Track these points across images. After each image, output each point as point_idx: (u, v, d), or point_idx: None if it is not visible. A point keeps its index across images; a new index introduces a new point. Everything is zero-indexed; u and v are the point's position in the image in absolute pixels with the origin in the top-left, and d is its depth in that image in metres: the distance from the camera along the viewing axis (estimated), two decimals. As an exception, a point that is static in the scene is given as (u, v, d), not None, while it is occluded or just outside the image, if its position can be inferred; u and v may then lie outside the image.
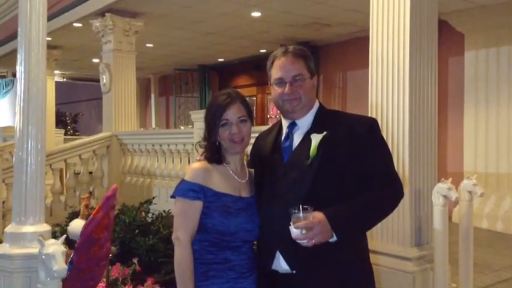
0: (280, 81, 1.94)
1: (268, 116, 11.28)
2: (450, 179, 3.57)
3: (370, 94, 4.02)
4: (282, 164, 1.95)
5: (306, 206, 1.71)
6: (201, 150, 2.03)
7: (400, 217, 3.76)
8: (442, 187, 3.50)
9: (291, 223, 1.71)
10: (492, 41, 6.87)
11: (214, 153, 1.97)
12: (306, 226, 1.69)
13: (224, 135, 1.93)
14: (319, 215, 1.72)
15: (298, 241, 1.71)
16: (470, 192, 3.73)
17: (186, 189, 1.90)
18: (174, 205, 1.94)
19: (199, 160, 2.00)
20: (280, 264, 1.86)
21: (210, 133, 1.97)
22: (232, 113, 1.94)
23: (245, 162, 2.09)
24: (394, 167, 1.99)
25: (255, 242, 2.01)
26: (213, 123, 1.95)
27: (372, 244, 3.53)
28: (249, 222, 1.92)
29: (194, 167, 1.96)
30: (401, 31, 3.81)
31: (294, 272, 1.84)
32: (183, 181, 1.94)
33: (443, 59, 6.91)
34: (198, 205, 1.89)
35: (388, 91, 3.89)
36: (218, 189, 1.91)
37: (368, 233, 2.01)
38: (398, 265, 3.72)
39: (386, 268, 3.72)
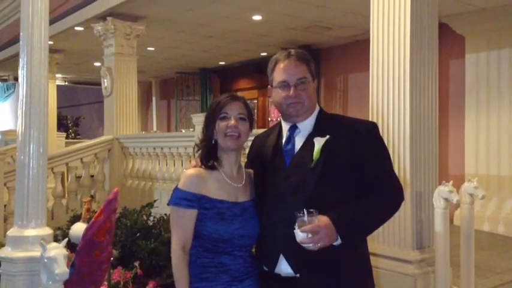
0: (284, 84, 1.94)
1: (270, 119, 11.28)
2: (451, 182, 3.57)
3: (371, 97, 4.03)
4: (284, 168, 1.94)
5: (311, 210, 1.70)
6: (197, 154, 2.01)
7: (401, 220, 3.76)
8: (443, 190, 3.50)
9: (296, 227, 1.70)
10: (493, 43, 6.87)
11: (209, 153, 1.95)
12: (312, 230, 1.69)
13: (221, 127, 1.91)
14: (324, 219, 1.72)
15: (303, 245, 1.71)
16: (471, 194, 3.73)
17: (180, 198, 1.88)
18: (170, 212, 1.94)
19: (195, 165, 1.97)
20: (284, 267, 1.86)
21: (208, 127, 1.95)
22: (233, 108, 1.94)
23: (243, 165, 2.08)
24: (393, 170, 2.00)
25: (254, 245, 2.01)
26: (212, 117, 1.94)
27: (373, 247, 3.54)
28: (245, 228, 1.90)
29: (188, 174, 1.93)
30: (402, 34, 3.82)
31: (298, 275, 1.84)
32: (176, 189, 1.92)
33: (444, 62, 6.93)
34: (191, 213, 1.87)
35: (389, 94, 3.89)
36: (213, 196, 1.89)
37: (369, 236, 2.01)
38: (400, 268, 3.72)
39: (388, 271, 3.72)
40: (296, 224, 1.70)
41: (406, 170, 3.76)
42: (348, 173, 1.85)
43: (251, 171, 2.07)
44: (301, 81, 1.93)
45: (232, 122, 1.92)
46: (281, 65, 1.96)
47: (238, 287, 1.90)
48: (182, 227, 1.88)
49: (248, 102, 2.05)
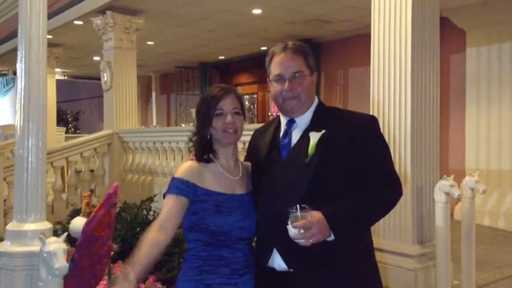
0: (280, 78, 1.92)
1: (269, 114, 11.26)
2: (452, 176, 3.56)
3: (371, 91, 4.01)
4: (280, 162, 1.92)
5: (304, 205, 1.69)
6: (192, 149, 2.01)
7: (402, 214, 3.75)
8: (444, 184, 3.49)
9: (289, 222, 1.68)
10: (494, 37, 6.85)
11: (203, 147, 1.94)
12: (304, 226, 1.67)
13: (218, 124, 1.91)
14: (317, 214, 1.70)
15: (296, 240, 1.69)
16: (472, 189, 3.73)
17: (174, 187, 1.88)
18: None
19: (191, 159, 1.97)
20: (278, 262, 1.85)
21: (203, 124, 1.94)
22: (228, 103, 1.93)
23: (241, 159, 2.07)
24: (393, 166, 1.96)
25: (254, 238, 2.00)
26: (207, 114, 1.93)
27: (374, 241, 3.54)
28: (244, 220, 1.89)
29: (185, 165, 1.94)
30: (403, 28, 3.80)
31: (291, 270, 1.83)
32: (172, 179, 1.92)
33: (444, 56, 6.89)
34: (180, 200, 1.86)
35: (389, 88, 3.88)
36: (209, 188, 1.89)
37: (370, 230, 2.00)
38: (400, 262, 3.72)
39: (388, 265, 3.72)
40: (289, 220, 1.69)
41: (407, 165, 3.75)
42: (344, 168, 1.82)
43: (249, 164, 2.06)
44: (296, 74, 1.90)
45: (229, 118, 1.91)
46: (277, 58, 1.94)
47: (238, 281, 1.89)
48: (166, 210, 1.86)
49: (247, 96, 2.05)
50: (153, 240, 1.83)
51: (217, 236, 1.86)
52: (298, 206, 1.68)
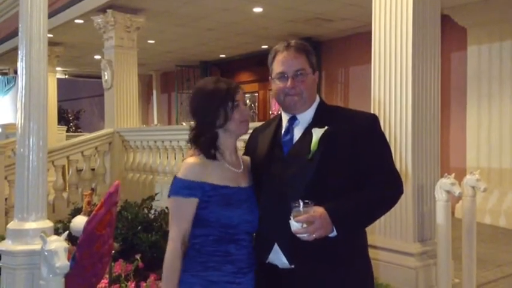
0: (282, 76, 1.93)
1: (270, 112, 11.26)
2: (453, 174, 3.56)
3: (372, 90, 4.01)
4: (282, 158, 1.93)
5: (307, 200, 1.70)
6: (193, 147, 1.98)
7: (403, 212, 3.75)
8: (445, 182, 3.49)
9: (291, 217, 1.69)
10: (495, 35, 6.84)
11: (212, 142, 1.92)
12: (307, 220, 1.68)
13: (237, 116, 1.91)
14: (320, 209, 1.71)
15: (298, 235, 1.70)
16: (473, 187, 3.73)
17: (180, 187, 1.87)
18: (169, 203, 1.92)
19: (192, 154, 1.94)
20: (280, 258, 1.85)
21: (216, 118, 1.90)
22: (241, 95, 1.96)
23: (239, 153, 2.07)
24: (394, 164, 1.98)
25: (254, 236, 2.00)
26: (223, 108, 1.89)
27: (374, 239, 3.54)
28: (249, 214, 1.90)
29: (188, 163, 1.91)
30: (404, 26, 3.79)
31: (293, 266, 1.83)
32: (176, 179, 1.90)
33: (445, 54, 6.88)
34: (192, 202, 1.86)
35: (390, 86, 3.87)
36: (216, 182, 1.88)
37: (371, 228, 2.01)
38: (401, 261, 3.72)
39: (389, 263, 3.72)
40: (291, 215, 1.70)
41: (407, 163, 3.75)
42: (346, 165, 1.84)
43: (248, 158, 2.06)
44: (298, 72, 1.92)
45: (246, 108, 1.96)
46: (280, 57, 1.95)
47: (242, 280, 1.89)
48: (183, 217, 1.87)
49: (248, 95, 2.09)
50: (180, 260, 1.88)
51: (227, 229, 1.87)
52: (300, 201, 1.69)
